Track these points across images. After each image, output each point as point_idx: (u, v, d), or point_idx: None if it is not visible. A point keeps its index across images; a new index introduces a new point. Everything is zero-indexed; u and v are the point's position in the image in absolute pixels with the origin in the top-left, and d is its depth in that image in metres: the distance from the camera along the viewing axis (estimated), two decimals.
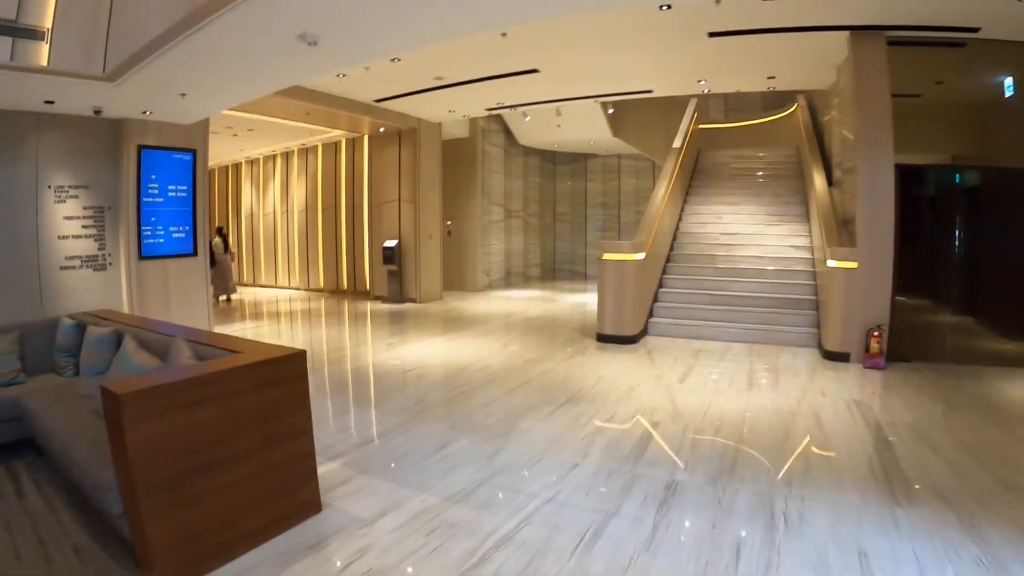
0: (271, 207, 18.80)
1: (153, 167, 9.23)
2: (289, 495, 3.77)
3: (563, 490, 4.22)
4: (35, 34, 6.18)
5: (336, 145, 16.49)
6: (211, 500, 3.34)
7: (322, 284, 17.26)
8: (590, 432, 5.37)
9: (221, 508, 3.38)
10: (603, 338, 9.34)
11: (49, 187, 8.50)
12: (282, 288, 18.46)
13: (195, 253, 9.83)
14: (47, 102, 7.77)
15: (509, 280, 18.32)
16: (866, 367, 7.64)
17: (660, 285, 10.64)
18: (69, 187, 8.68)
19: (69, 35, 6.44)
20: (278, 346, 4.02)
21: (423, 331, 10.61)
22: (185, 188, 9.64)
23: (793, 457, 4.80)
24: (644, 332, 9.71)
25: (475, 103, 12.52)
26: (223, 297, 15.26)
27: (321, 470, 4.50)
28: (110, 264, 9.09)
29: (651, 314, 10.06)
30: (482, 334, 10.17)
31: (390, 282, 14.54)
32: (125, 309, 9.07)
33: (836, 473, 4.50)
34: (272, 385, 3.67)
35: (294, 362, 3.82)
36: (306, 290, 17.64)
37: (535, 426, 5.55)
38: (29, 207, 8.37)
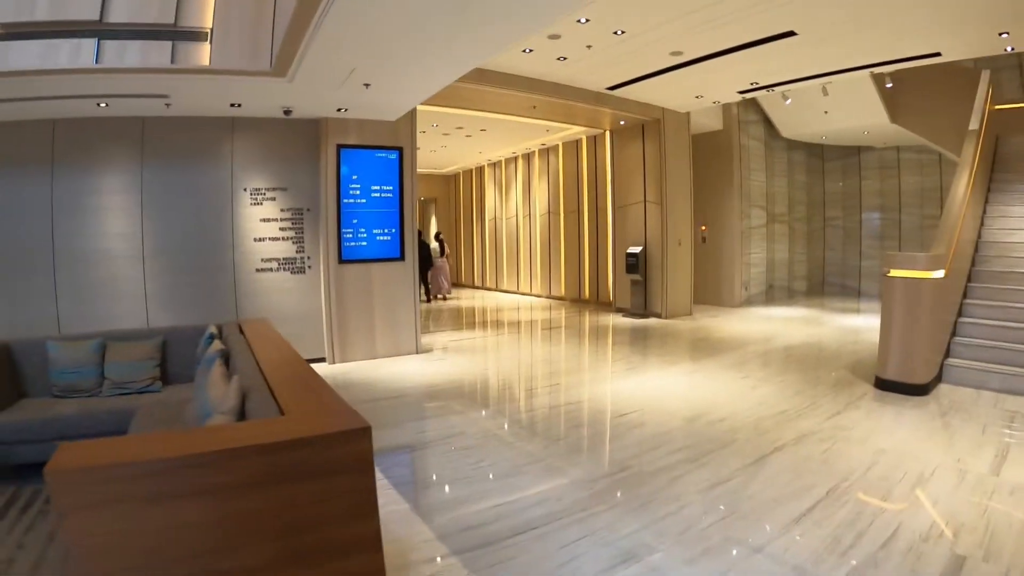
0: (513, 210, 18.26)
1: (354, 167, 8.78)
2: None
3: None
4: (197, 36, 5.90)
5: (577, 143, 15.38)
6: None
7: (563, 292, 16.31)
8: (856, 567, 3.37)
9: None
10: (883, 384, 7.02)
11: (245, 190, 8.50)
12: (523, 295, 17.85)
13: (402, 257, 9.24)
14: (233, 105, 7.67)
15: (771, 295, 15.87)
16: None
17: (959, 314, 7.96)
18: (266, 189, 8.60)
19: (230, 33, 6.08)
20: (344, 408, 2.69)
21: (661, 356, 9.04)
22: (391, 188, 9.09)
23: None
24: (938, 378, 7.20)
25: (724, 85, 10.54)
26: (439, 296, 17.35)
27: (427, 571, 3.28)
28: (309, 267, 8.85)
29: (947, 353, 7.48)
30: (731, 365, 8.35)
31: (633, 293, 13.14)
32: (323, 315, 8.82)
33: None
34: (311, 477, 2.36)
35: (351, 443, 2.44)
36: (547, 298, 16.84)
37: (772, 542, 3.64)
38: (224, 210, 8.42)
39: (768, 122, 15.30)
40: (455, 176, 21.54)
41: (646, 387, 7.35)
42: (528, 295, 17.65)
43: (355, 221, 8.88)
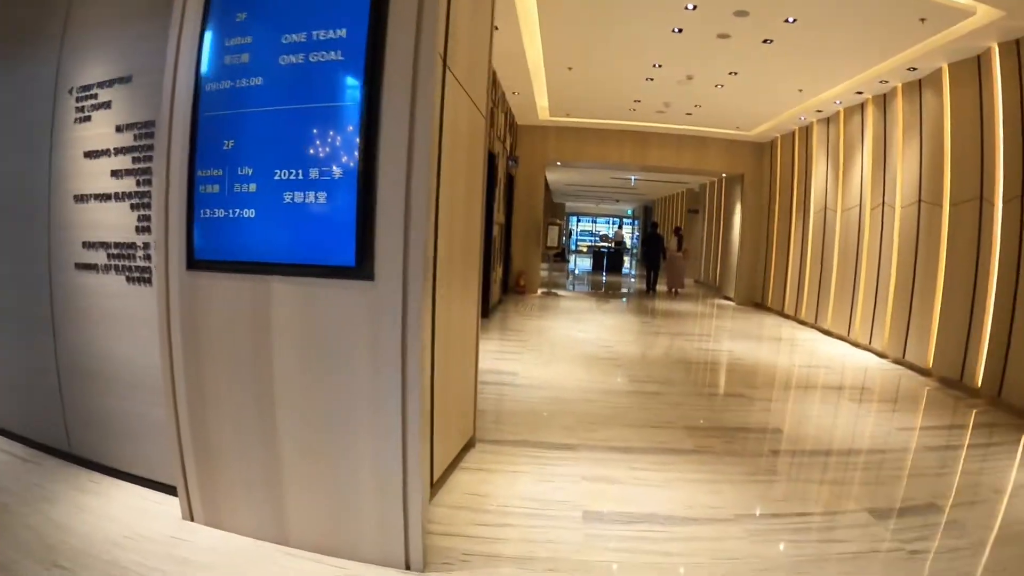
0: (854, 197, 10.75)
1: None
2: None
3: None
4: None
5: (976, 62, 7.55)
6: None
7: (929, 361, 8.34)
8: None
9: None
10: None
11: (70, 92, 3.80)
12: (854, 346, 10.27)
13: (361, 267, 2.88)
14: None
15: None
16: None
17: None
18: (98, 86, 3.63)
19: None
20: None
21: None
22: (342, 37, 2.91)
23: None
24: None
25: None
26: (674, 291, 17.45)
27: None
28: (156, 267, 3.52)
29: None
30: None
31: None
32: (163, 386, 3.33)
33: None
34: None
35: None
36: (896, 363, 9.05)
37: None
38: (41, 136, 3.90)
39: None
40: (770, 144, 14.75)
41: None
42: (863, 349, 10.06)
43: (229, 144, 2.96)
